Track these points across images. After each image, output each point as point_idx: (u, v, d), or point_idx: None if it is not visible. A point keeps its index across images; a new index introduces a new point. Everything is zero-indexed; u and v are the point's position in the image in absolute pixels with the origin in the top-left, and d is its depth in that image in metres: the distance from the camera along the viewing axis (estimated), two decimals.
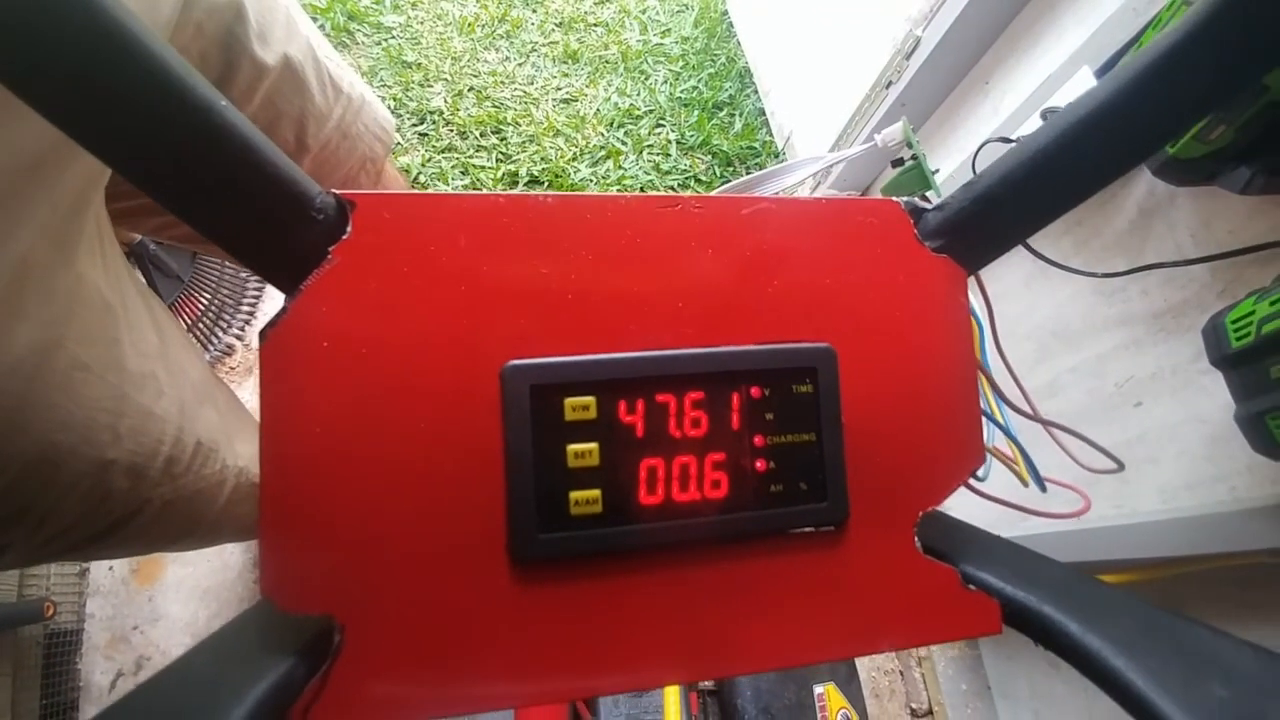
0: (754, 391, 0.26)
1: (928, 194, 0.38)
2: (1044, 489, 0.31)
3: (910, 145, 0.37)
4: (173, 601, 1.05)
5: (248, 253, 0.22)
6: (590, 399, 0.24)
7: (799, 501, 0.26)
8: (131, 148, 0.19)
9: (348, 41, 1.58)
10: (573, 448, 0.24)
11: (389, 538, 0.23)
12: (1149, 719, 0.20)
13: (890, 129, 0.37)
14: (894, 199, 0.28)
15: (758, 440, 0.26)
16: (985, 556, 0.27)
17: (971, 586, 0.26)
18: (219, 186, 0.20)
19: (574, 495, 0.24)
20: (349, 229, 0.23)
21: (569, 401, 0.24)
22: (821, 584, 0.26)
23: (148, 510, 0.49)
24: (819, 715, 0.72)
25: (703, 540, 0.25)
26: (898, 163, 0.39)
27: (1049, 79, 0.76)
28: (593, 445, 0.24)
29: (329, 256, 0.23)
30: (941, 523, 0.29)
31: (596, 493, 0.24)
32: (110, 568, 1.06)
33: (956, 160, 0.91)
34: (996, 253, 0.28)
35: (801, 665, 0.26)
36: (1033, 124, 0.76)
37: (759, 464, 0.26)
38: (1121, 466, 0.34)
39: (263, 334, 0.23)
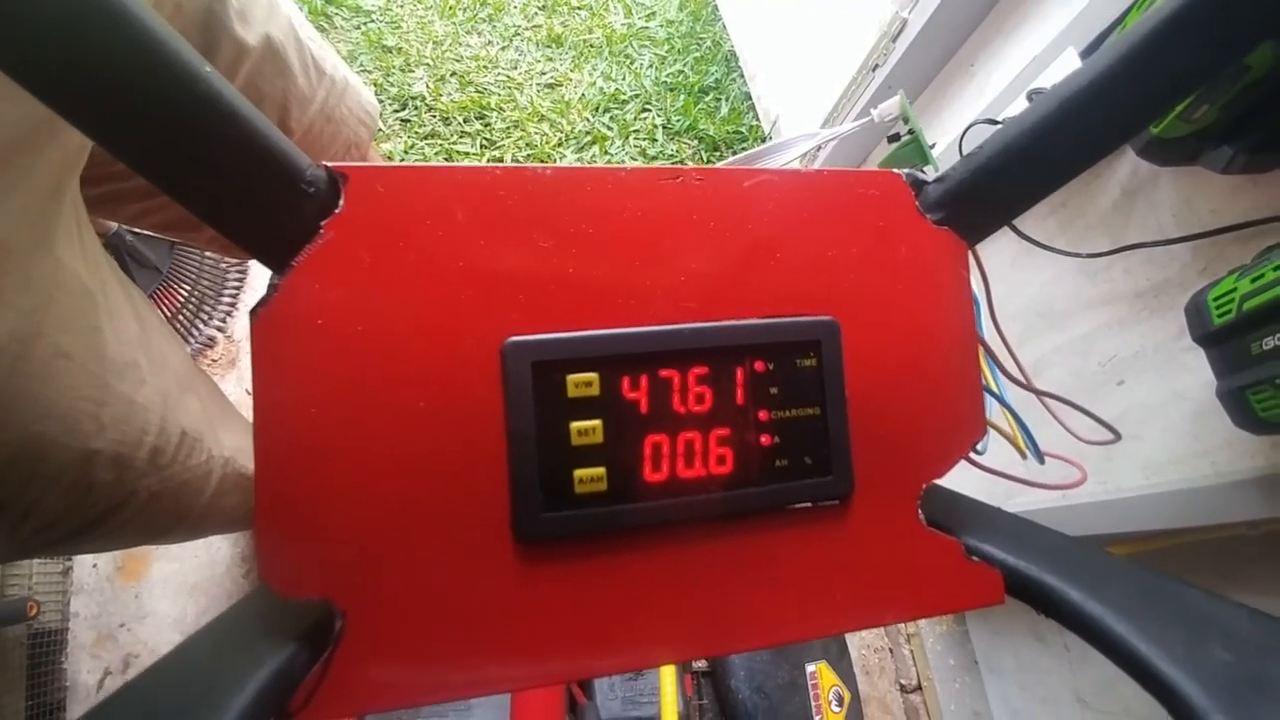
0: (758, 365, 0.26)
1: (925, 169, 0.38)
2: (1042, 461, 0.31)
3: (907, 120, 0.37)
4: (160, 598, 1.03)
5: (235, 228, 0.22)
6: (593, 375, 0.24)
7: (804, 476, 0.26)
8: (114, 117, 0.18)
9: (326, 26, 1.54)
10: (576, 425, 0.24)
11: (389, 520, 0.23)
12: (1152, 683, 0.21)
13: (887, 103, 0.37)
14: (895, 170, 0.28)
15: (762, 415, 0.26)
16: (986, 528, 0.27)
17: (974, 558, 0.27)
18: (205, 157, 0.19)
19: (578, 473, 0.24)
20: (341, 203, 0.23)
21: (571, 378, 0.24)
22: (827, 558, 0.26)
23: (134, 502, 0.48)
24: (812, 693, 0.73)
25: (708, 516, 0.25)
26: (894, 138, 0.39)
27: (1034, 60, 0.76)
28: (596, 422, 0.24)
29: (321, 231, 0.23)
30: (942, 496, 0.29)
31: (601, 470, 0.24)
32: (94, 565, 1.04)
33: (943, 143, 0.91)
34: (998, 224, 0.28)
35: (808, 639, 0.26)
36: (1018, 105, 0.76)
37: (764, 439, 0.25)
38: (1118, 436, 0.34)
39: (253, 313, 0.22)
